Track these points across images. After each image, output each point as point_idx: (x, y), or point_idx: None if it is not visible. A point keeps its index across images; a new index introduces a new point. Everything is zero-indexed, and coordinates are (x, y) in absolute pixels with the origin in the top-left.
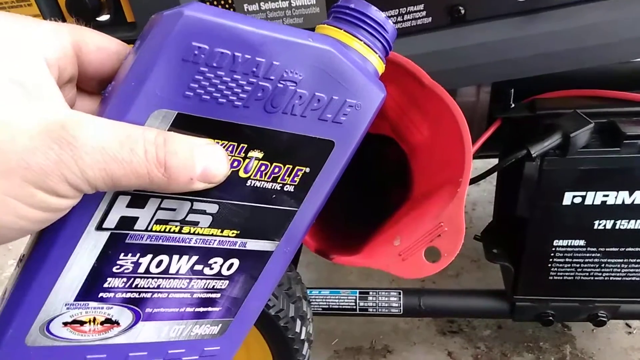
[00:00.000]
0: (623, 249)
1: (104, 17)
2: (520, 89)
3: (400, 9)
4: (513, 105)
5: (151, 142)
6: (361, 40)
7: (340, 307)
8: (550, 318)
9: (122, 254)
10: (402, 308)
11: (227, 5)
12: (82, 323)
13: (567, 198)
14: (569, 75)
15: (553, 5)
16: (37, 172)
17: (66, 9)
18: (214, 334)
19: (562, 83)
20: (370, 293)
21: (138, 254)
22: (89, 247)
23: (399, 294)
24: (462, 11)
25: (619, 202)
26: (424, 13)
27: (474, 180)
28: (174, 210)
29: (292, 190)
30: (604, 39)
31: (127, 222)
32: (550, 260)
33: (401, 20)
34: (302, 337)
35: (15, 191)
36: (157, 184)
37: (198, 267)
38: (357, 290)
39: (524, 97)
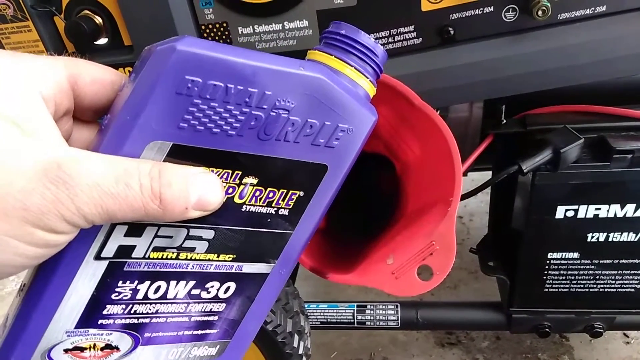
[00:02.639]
0: (617, 261)
1: (102, 41)
2: (512, 105)
3: (391, 30)
4: (505, 121)
5: (146, 175)
6: (352, 65)
7: (338, 320)
8: (547, 330)
9: (121, 282)
10: (399, 321)
11: (222, 29)
12: (82, 349)
13: (560, 212)
14: (559, 91)
15: (540, 25)
16: (35, 212)
17: (65, 33)
18: (212, 355)
19: (552, 99)
20: (368, 306)
21: (136, 281)
22: (88, 276)
23: (397, 307)
24: (452, 32)
25: (610, 215)
26: (414, 34)
27: (467, 195)
28: (170, 237)
29: (287, 213)
30: (592, 57)
31: (124, 251)
32: (545, 272)
33: (392, 41)
34: (300, 351)
35: (14, 231)
36: (152, 215)
37: (195, 292)
38: (355, 304)
39: (516, 113)
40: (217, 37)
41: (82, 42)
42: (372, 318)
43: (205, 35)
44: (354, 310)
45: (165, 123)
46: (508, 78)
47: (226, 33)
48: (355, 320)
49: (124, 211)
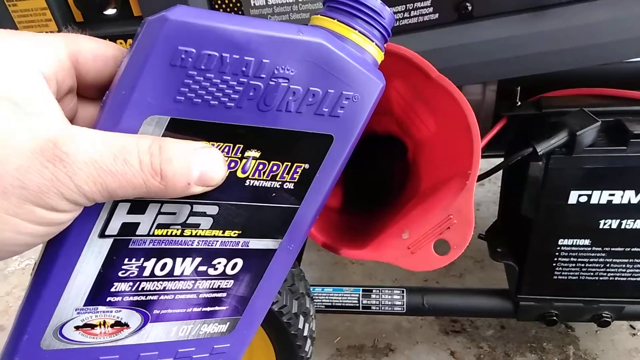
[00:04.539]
0: (628, 249)
1: (111, 11)
2: (527, 87)
3: (407, 5)
4: (519, 103)
5: (145, 151)
6: (357, 30)
7: (344, 304)
8: (554, 318)
9: (127, 259)
10: (405, 306)
11: (234, 0)
12: (93, 326)
13: (573, 197)
14: (575, 74)
15: (561, 2)
16: (33, 190)
17: (73, 2)
18: (223, 331)
19: (568, 81)
20: (374, 291)
21: (142, 259)
22: (94, 254)
23: (402, 292)
24: (469, 7)
25: (624, 201)
26: (430, 9)
27: (479, 179)
28: (174, 214)
29: (292, 187)
30: (612, 36)
31: (128, 228)
32: (555, 259)
33: (408, 16)
34: (305, 333)
35: (14, 210)
36: (154, 192)
37: (202, 268)
38: (361, 288)
39: (531, 96)
40: (229, 9)
41: (90, 12)
42: (377, 303)
43: (217, 7)
44: (359, 294)
45: (161, 96)
46: (527, 57)
47: (238, 5)
48: (361, 305)
49: (124, 188)
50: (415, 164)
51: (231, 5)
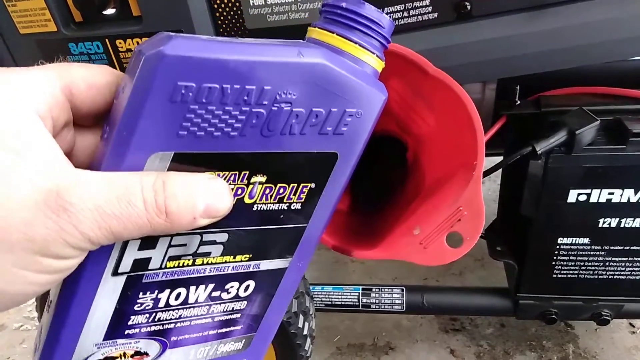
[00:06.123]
0: (628, 248)
1: (110, 11)
2: (526, 86)
3: (406, 4)
4: (518, 102)
5: (149, 189)
6: (356, 42)
7: (343, 303)
8: (554, 316)
9: (141, 293)
10: (404, 305)
11: (233, 0)
12: (113, 358)
13: (572, 196)
14: (575, 72)
15: (560, 1)
16: (39, 242)
17: (72, 2)
18: (239, 349)
19: (568, 80)
20: (373, 289)
21: (156, 291)
22: (109, 291)
23: (402, 290)
24: (468, 7)
25: (624, 200)
26: (429, 8)
27: None
28: (184, 245)
29: (300, 207)
30: (611, 35)
31: (141, 264)
32: (554, 258)
33: (407, 15)
34: (305, 332)
35: (21, 262)
36: (160, 230)
37: (215, 294)
38: (360, 287)
39: (530, 94)
40: (227, 9)
41: (89, 12)
42: (377, 301)
43: (215, 6)
44: (359, 293)
45: (164, 134)
46: (526, 56)
47: (237, 4)
48: (360, 303)
49: (130, 230)
50: (416, 161)
51: (230, 4)
